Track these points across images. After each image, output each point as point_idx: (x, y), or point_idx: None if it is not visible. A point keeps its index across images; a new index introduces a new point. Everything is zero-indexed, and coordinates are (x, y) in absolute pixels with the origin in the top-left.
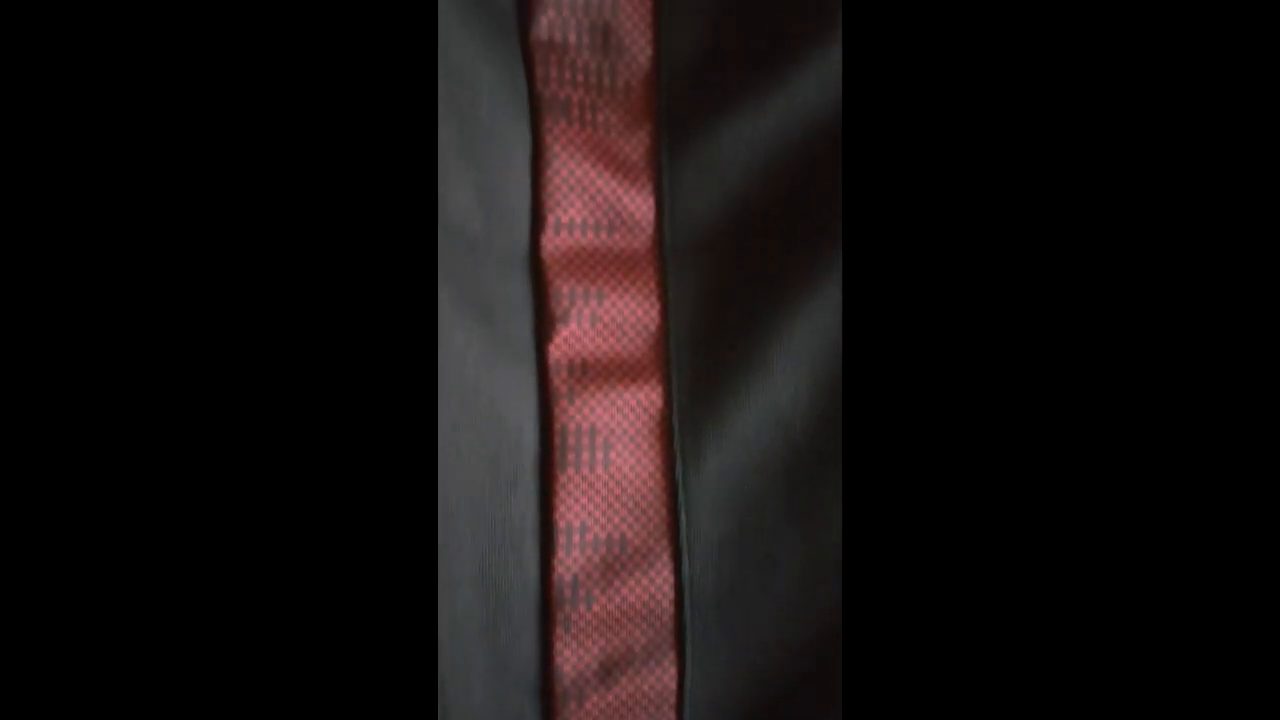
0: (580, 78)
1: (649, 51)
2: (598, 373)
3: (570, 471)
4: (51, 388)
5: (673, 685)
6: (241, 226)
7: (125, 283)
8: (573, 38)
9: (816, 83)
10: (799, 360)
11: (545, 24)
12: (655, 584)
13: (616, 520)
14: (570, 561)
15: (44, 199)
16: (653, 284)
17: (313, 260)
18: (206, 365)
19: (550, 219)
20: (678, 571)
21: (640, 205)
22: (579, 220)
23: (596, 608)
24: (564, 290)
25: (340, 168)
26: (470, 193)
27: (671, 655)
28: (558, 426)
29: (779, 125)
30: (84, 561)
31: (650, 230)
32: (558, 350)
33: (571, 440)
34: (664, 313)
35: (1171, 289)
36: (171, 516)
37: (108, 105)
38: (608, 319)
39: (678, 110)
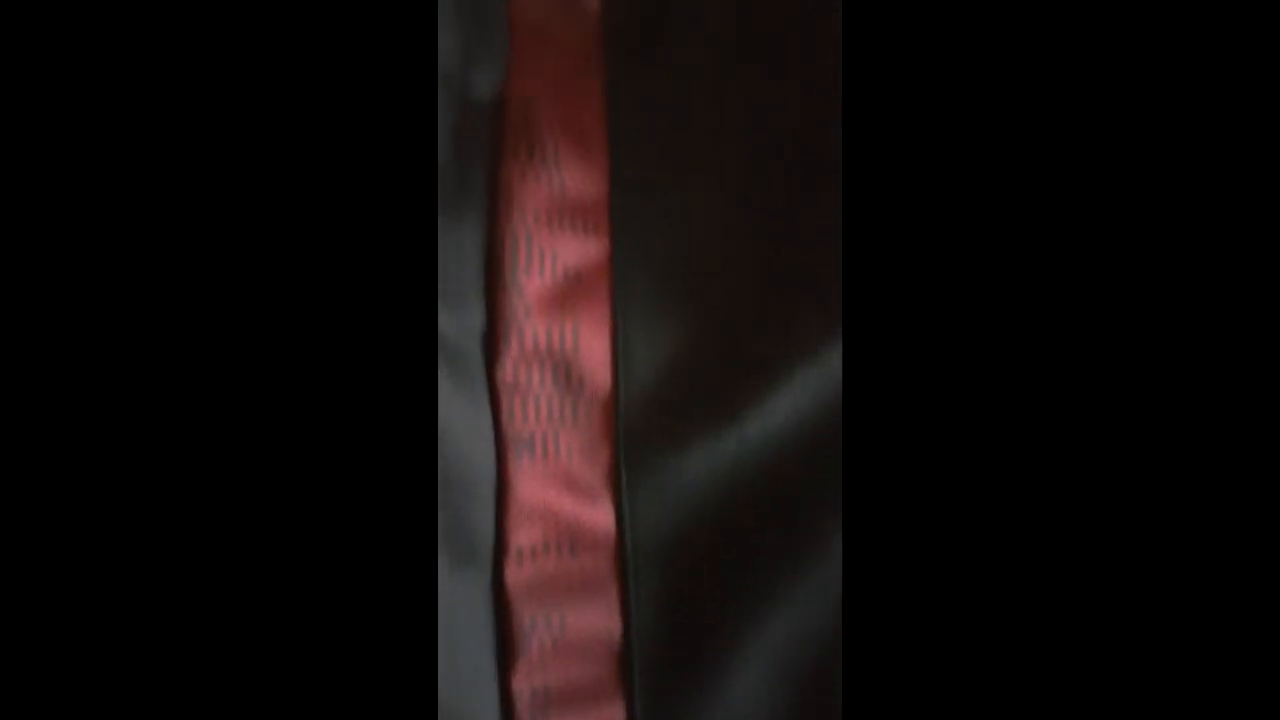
0: (544, 413)
1: (608, 381)
2: (559, 699)
3: None
4: None
5: None
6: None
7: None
8: (536, 377)
9: (786, 408)
10: (764, 660)
11: (509, 366)
12: None
13: None
14: None
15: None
16: (614, 599)
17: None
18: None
19: (512, 549)
20: None
21: (600, 521)
22: (540, 545)
23: None
24: (525, 617)
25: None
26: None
27: None
28: None
29: (742, 447)
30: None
31: (611, 546)
32: (519, 681)
33: None
34: (625, 628)
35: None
36: None
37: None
38: (568, 642)
39: (636, 435)
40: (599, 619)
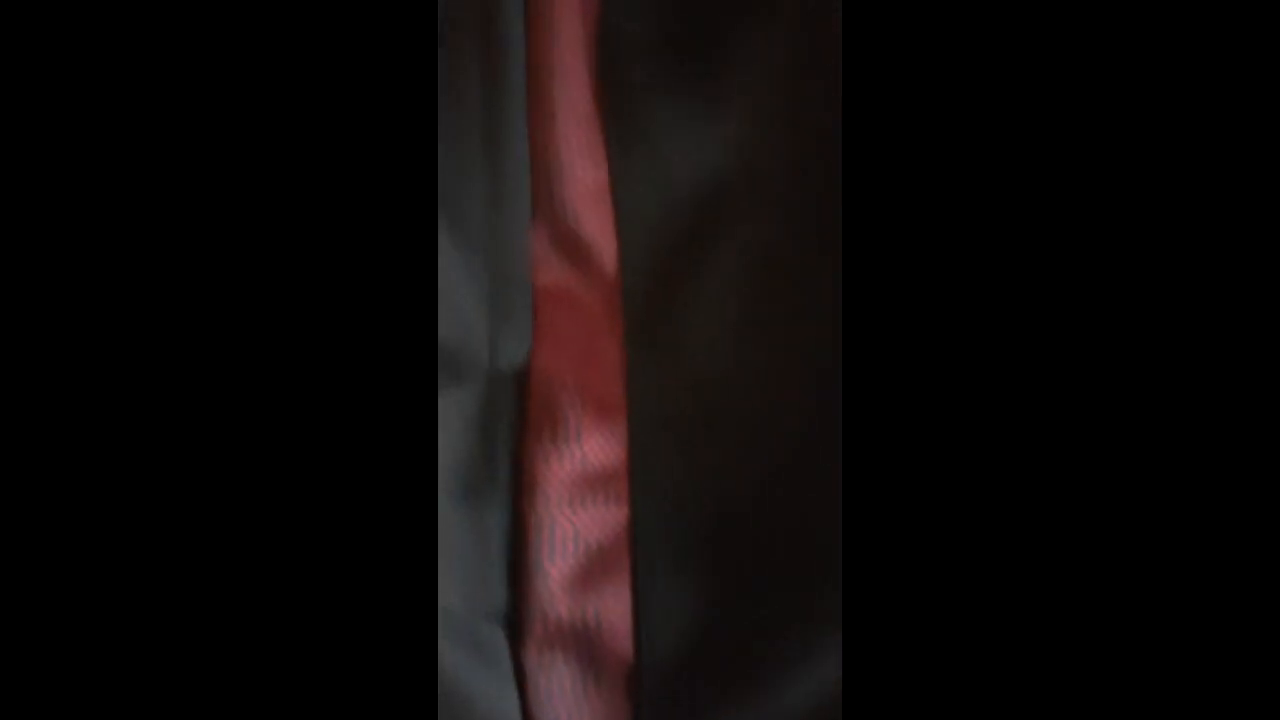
0: (567, 691)
1: (630, 653)
2: None
3: None
4: None
5: None
6: None
7: None
8: (560, 656)
9: (806, 688)
10: None
11: (534, 649)
12: None
13: None
14: None
15: None
16: None
17: None
18: None
19: None
20: None
21: None
22: None
23: None
24: None
25: None
26: None
27: None
28: None
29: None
30: None
31: None
32: None
33: None
34: None
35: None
36: None
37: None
38: None
39: (656, 708)
40: None
